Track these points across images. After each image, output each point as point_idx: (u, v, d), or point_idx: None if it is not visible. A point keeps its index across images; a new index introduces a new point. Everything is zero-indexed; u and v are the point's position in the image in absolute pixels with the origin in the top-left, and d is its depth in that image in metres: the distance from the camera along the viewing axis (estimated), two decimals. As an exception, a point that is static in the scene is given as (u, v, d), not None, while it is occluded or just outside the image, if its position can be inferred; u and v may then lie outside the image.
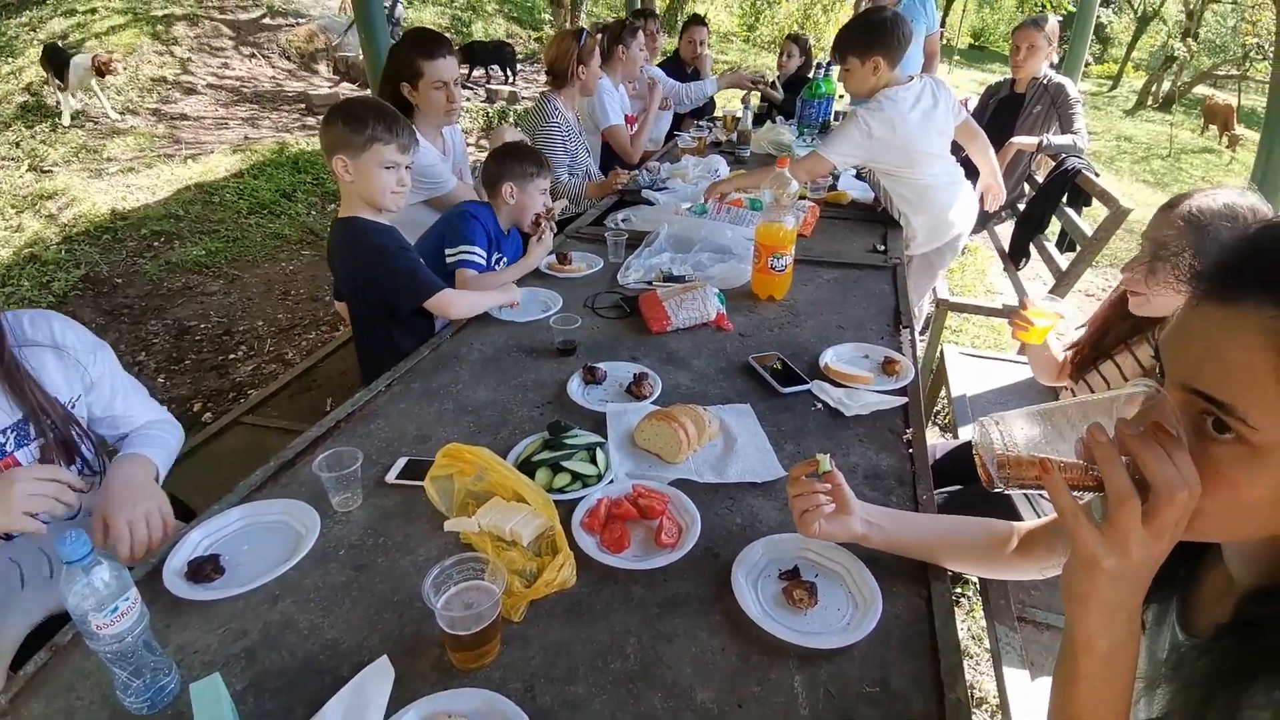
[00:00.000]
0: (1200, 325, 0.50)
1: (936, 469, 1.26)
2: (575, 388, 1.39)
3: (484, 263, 1.87)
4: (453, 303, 1.60)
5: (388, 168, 1.55)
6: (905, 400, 1.34)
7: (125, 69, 6.36)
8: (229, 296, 3.91)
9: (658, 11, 9.99)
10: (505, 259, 2.03)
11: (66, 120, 5.91)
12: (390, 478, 1.13)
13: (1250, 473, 0.48)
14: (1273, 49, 12.94)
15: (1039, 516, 1.32)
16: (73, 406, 1.14)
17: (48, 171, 5.08)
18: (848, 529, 0.89)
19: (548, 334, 1.58)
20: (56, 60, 5.90)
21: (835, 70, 3.86)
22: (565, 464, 1.11)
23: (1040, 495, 1.37)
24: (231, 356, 3.35)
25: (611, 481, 1.12)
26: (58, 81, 5.97)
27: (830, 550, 0.94)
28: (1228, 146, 11.26)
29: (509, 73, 7.69)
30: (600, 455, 1.16)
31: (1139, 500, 0.49)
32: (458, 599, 0.81)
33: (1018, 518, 1.37)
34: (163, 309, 3.76)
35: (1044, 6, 20.20)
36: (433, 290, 1.58)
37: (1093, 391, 1.35)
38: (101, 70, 5.95)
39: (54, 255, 4.11)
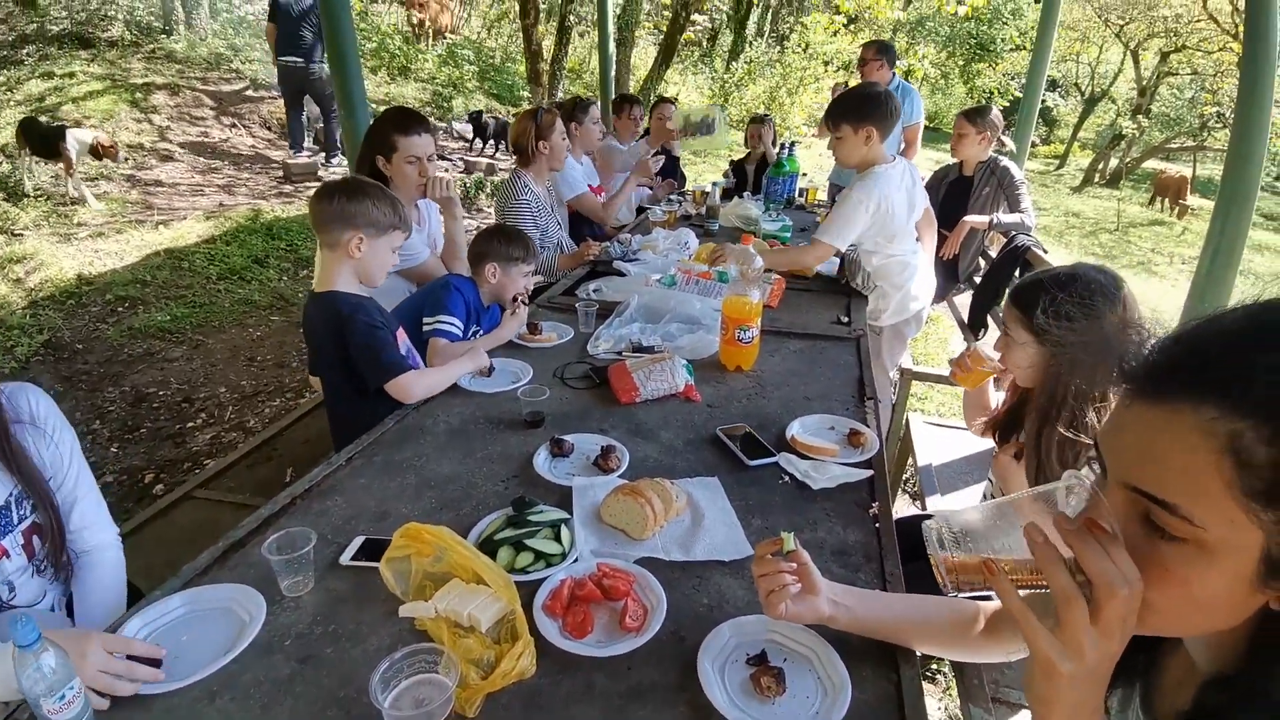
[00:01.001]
0: (1137, 425, 0.49)
1: (902, 541, 1.25)
2: (542, 461, 1.38)
3: (460, 334, 1.88)
4: (410, 386, 1.58)
5: (394, 250, 1.63)
6: (871, 473, 1.35)
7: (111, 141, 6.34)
8: (192, 363, 3.83)
9: (633, 92, 10.48)
10: (482, 332, 2.05)
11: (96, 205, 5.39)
12: (345, 559, 1.08)
13: (1202, 570, 0.47)
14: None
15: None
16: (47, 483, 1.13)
17: (18, 235, 5.02)
18: (815, 610, 0.87)
19: (516, 405, 1.57)
20: (37, 134, 5.40)
21: (799, 150, 4.08)
22: (529, 542, 1.09)
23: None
24: (190, 425, 3.25)
25: (576, 560, 1.09)
26: (34, 157, 5.51)
27: (797, 632, 0.92)
28: (1177, 216, 11.94)
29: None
30: (565, 532, 1.13)
31: (1084, 600, 0.49)
32: (408, 695, 0.77)
33: (990, 598, 1.37)
34: (121, 375, 3.66)
35: (991, 94, 21.73)
36: (395, 373, 1.57)
37: (1020, 459, 1.37)
38: (99, 153, 5.46)
39: (18, 320, 4.01)
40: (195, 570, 1.06)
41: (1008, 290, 1.30)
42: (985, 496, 1.50)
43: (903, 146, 4.28)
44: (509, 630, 0.93)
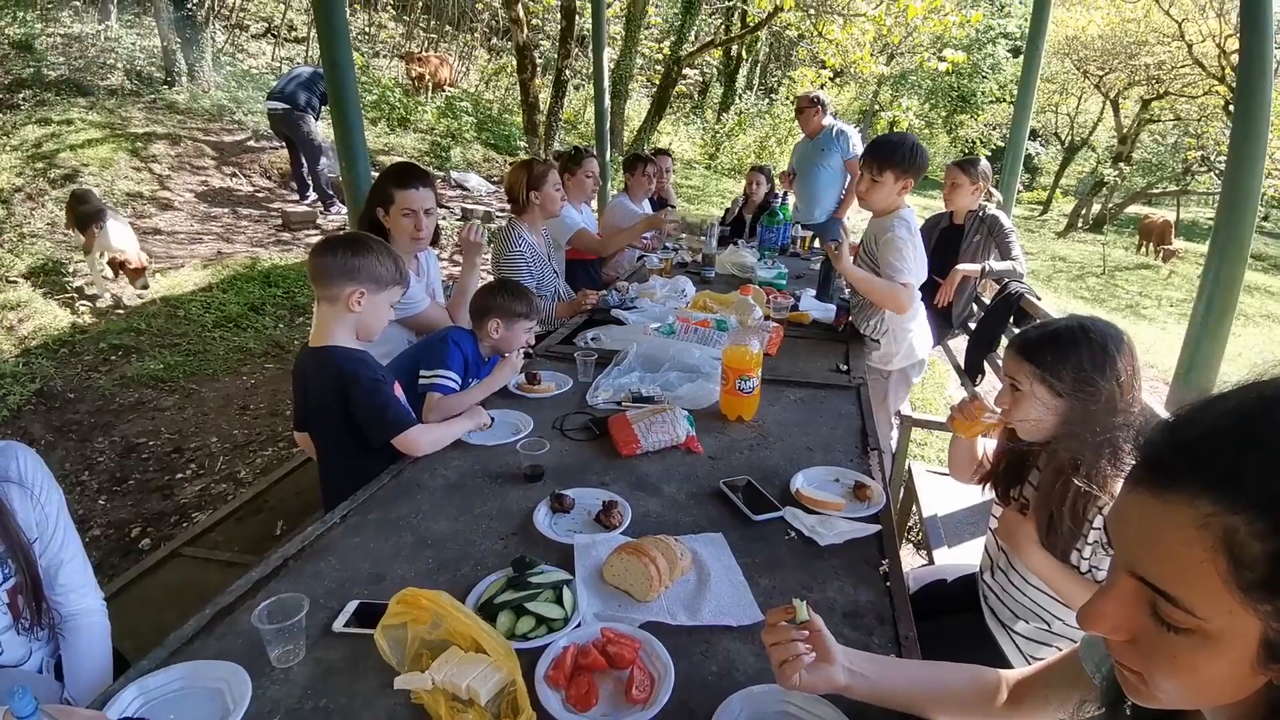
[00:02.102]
0: (1137, 513, 0.50)
1: (915, 600, 1.22)
2: (542, 517, 1.34)
3: (457, 389, 1.86)
4: (418, 441, 1.57)
5: (392, 305, 1.63)
6: (879, 528, 1.32)
7: (98, 184, 6.36)
8: (183, 412, 3.78)
9: (623, 141, 10.74)
10: None
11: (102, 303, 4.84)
12: (338, 625, 1.04)
13: (1207, 657, 0.48)
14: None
15: (1028, 663, 1.28)
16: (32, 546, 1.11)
17: (13, 282, 5.01)
18: (830, 680, 0.83)
19: (515, 458, 1.54)
20: (83, 209, 4.83)
21: (791, 199, 4.17)
22: (530, 606, 1.05)
23: (1031, 639, 1.33)
24: (179, 476, 3.19)
25: (579, 625, 1.05)
26: (75, 230, 4.98)
27: (813, 704, 0.88)
28: (1162, 261, 12.15)
29: None
30: (567, 594, 1.09)
31: None
32: (405, 779, 0.72)
33: (1004, 659, 1.33)
34: (111, 425, 3.61)
35: (974, 143, 22.36)
36: (401, 427, 1.55)
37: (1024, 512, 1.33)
38: (118, 267, 4.73)
39: (10, 369, 3.96)
40: (182, 639, 1.02)
41: (1011, 340, 1.29)
42: (987, 549, 1.47)
43: (849, 180, 4.51)
44: (509, 703, 0.89)
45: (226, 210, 7.02)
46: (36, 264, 5.32)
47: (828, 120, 4.48)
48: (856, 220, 4.81)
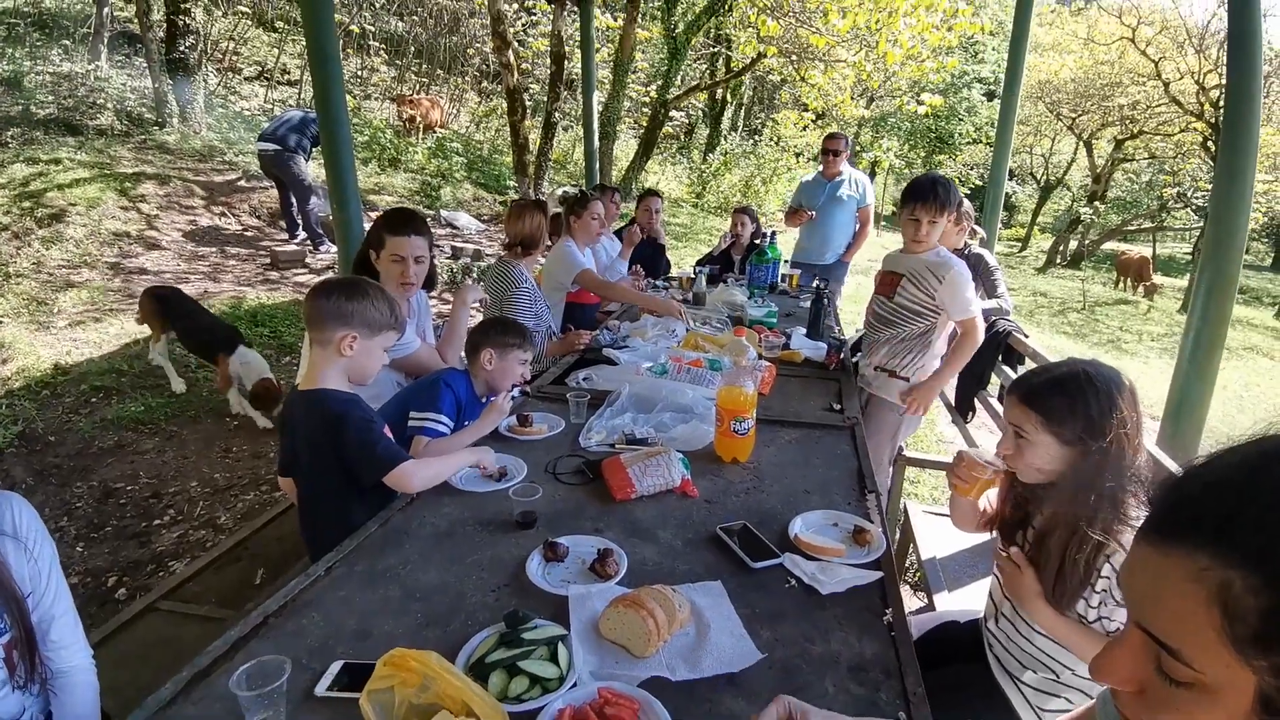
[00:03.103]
0: (1142, 567, 0.51)
1: (917, 648, 1.18)
2: (535, 567, 1.30)
3: (447, 432, 1.83)
4: (412, 475, 1.51)
5: (385, 350, 1.61)
6: (881, 575, 1.29)
7: (85, 223, 6.32)
8: (163, 455, 3.69)
9: (612, 181, 10.90)
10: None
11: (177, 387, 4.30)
12: (321, 689, 0.99)
13: (1206, 710, 0.48)
14: (1196, 195, 14.52)
15: (1037, 715, 1.24)
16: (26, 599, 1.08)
17: (-2, 324, 4.94)
18: None
19: (507, 504, 1.51)
20: (204, 338, 4.05)
21: (779, 239, 4.22)
22: (523, 665, 1.00)
23: (1039, 689, 1.29)
24: (156, 523, 3.09)
25: (575, 685, 1.01)
26: (167, 334, 4.22)
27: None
28: (1145, 296, 12.37)
29: None
30: (562, 651, 1.05)
31: None
32: None
33: (1012, 712, 1.29)
34: (90, 469, 3.51)
35: (954, 182, 22.87)
36: (393, 463, 1.49)
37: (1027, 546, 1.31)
38: (264, 396, 3.89)
39: (-7, 411, 3.87)
40: (160, 703, 0.96)
41: (1012, 386, 1.27)
42: (991, 595, 1.44)
43: (858, 226, 4.63)
44: (504, 773, 0.84)
45: (214, 249, 7.00)
46: (21, 304, 5.26)
47: (844, 165, 4.53)
48: (862, 261, 4.89)
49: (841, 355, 2.71)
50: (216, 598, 2.15)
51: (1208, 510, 0.48)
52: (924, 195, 2.30)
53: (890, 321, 2.47)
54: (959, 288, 2.32)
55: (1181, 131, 14.01)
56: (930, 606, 1.91)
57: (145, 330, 5.09)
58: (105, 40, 8.65)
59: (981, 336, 2.35)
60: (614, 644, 1.10)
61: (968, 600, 1.86)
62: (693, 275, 3.86)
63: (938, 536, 2.15)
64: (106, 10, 8.65)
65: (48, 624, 1.12)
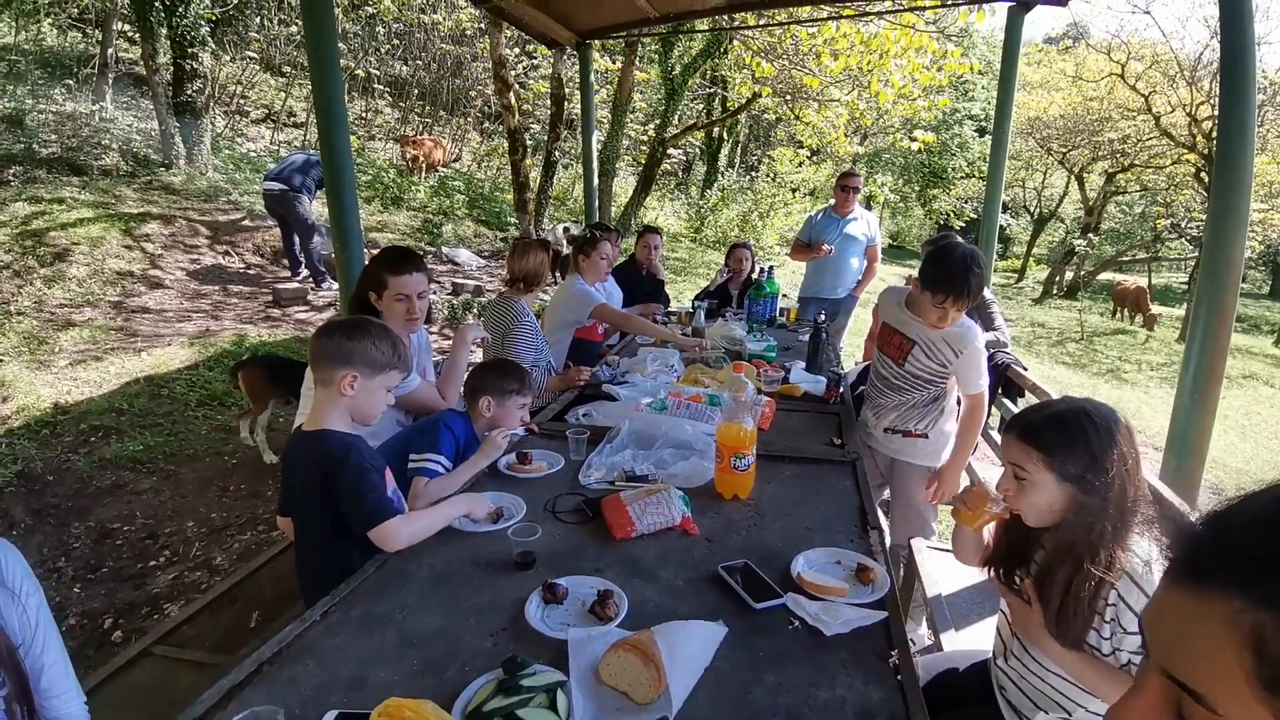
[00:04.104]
0: (1173, 611, 0.50)
1: (925, 692, 1.16)
2: (534, 610, 1.28)
3: (445, 473, 1.82)
4: (394, 535, 1.46)
5: (389, 390, 1.59)
6: (886, 615, 1.27)
7: (88, 262, 6.34)
8: (160, 495, 3.66)
9: (612, 217, 11.05)
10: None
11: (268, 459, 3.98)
12: (315, 740, 0.97)
13: None
14: (1190, 226, 14.56)
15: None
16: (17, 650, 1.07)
17: (-1, 362, 4.95)
18: None
19: (505, 545, 1.49)
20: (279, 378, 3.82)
21: (778, 274, 4.26)
22: (521, 714, 0.98)
23: None
24: (151, 564, 3.05)
25: (574, 733, 0.98)
26: (275, 402, 3.99)
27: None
28: (1144, 326, 12.39)
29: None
30: (561, 698, 1.03)
31: None
32: None
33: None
34: (88, 509, 3.48)
35: (948, 216, 23.25)
36: (379, 519, 1.45)
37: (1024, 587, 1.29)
38: None
39: (-5, 449, 3.86)
40: (143, 759, 0.94)
41: (1010, 424, 1.27)
42: (999, 632, 1.41)
43: (865, 264, 4.71)
44: (501, 828, 0.82)
45: (216, 287, 7.05)
46: (22, 342, 5.28)
47: (855, 204, 4.64)
48: (867, 294, 4.96)
49: (841, 389, 2.71)
50: (212, 641, 2.11)
51: (1244, 550, 0.47)
52: (959, 290, 2.04)
53: (899, 389, 2.36)
54: (974, 364, 2.20)
55: (1174, 164, 14.13)
56: (937, 645, 1.87)
57: (149, 369, 5.10)
58: (110, 81, 8.83)
59: (986, 412, 2.29)
60: (614, 690, 1.08)
61: (975, 639, 1.83)
62: (691, 310, 3.88)
63: (943, 573, 2.12)
64: (111, 51, 8.85)
65: (38, 673, 1.10)
